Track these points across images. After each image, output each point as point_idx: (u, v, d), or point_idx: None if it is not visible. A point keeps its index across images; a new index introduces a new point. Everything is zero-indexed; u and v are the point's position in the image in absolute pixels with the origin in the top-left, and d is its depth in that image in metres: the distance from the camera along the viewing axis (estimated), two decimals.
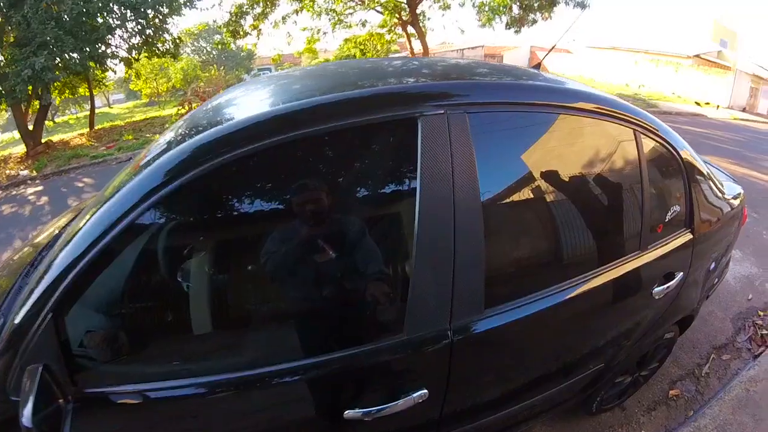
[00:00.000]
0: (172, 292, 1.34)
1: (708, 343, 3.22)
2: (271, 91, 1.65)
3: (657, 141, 1.87)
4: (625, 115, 1.73)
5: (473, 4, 15.89)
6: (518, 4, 16.11)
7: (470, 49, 30.73)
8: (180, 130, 1.53)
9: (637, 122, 1.78)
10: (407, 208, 1.32)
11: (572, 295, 1.63)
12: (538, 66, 2.24)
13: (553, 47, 2.60)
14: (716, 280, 2.64)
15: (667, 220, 1.94)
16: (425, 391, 1.42)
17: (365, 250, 1.35)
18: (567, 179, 1.62)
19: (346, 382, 1.44)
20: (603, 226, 1.79)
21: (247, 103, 1.61)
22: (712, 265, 2.38)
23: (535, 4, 16.33)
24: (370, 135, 1.35)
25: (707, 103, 18.87)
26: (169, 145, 1.36)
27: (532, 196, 1.54)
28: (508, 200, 1.53)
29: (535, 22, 16.86)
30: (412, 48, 19.75)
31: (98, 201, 1.42)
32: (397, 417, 1.40)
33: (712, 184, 2.23)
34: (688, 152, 2.03)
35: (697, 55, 23.76)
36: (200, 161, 1.23)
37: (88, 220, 1.28)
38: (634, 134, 1.77)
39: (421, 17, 18.27)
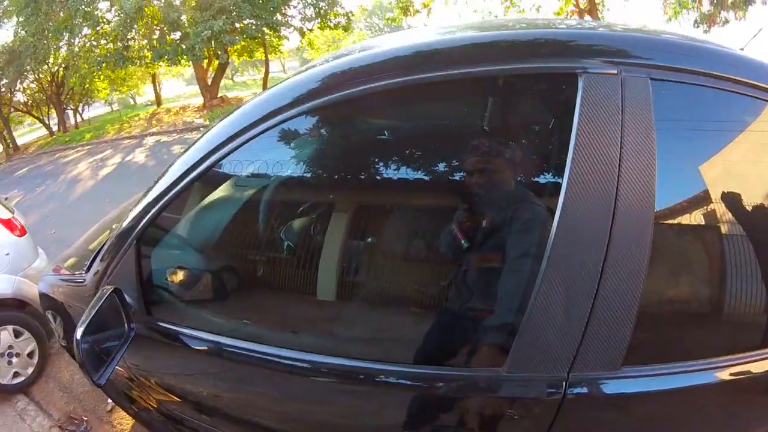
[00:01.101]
0: (269, 247, 1.33)
1: None
2: (424, 34, 1.45)
3: None
4: None
5: None
6: None
7: None
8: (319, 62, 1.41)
9: None
10: (546, 200, 1.04)
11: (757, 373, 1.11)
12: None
13: (756, 33, 1.84)
14: None
15: None
16: None
17: (513, 248, 1.10)
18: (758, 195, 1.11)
19: (422, 404, 1.20)
20: None
21: (395, 41, 1.37)
22: None
23: (729, 1, 14.13)
24: (511, 90, 1.11)
25: None
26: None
27: (731, 216, 1.09)
28: (695, 217, 1.09)
29: (727, 21, 14.70)
30: None
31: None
32: None
33: None
34: None
35: None
36: (327, 89, 1.13)
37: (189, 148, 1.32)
38: None
39: (600, 6, 16.63)
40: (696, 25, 14.72)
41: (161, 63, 14.33)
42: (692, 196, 1.09)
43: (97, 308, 1.22)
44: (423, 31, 1.51)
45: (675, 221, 1.09)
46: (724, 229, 1.10)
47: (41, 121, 20.56)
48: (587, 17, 16.67)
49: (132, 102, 31.29)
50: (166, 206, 1.29)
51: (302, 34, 17.10)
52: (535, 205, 1.09)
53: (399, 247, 1.26)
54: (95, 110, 27.03)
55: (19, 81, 17.78)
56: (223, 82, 16.74)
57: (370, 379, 1.18)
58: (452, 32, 1.39)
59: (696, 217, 1.09)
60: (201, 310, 1.45)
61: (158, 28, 13.78)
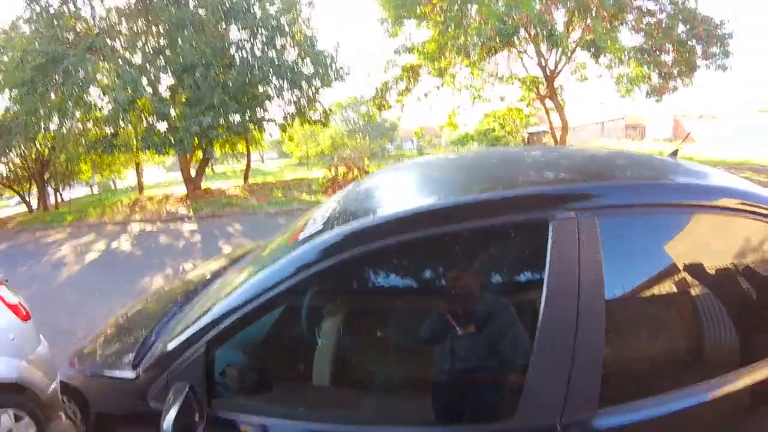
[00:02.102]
0: (301, 347, 1.62)
1: None
2: (414, 181, 1.96)
3: None
4: None
5: (611, 75, 15.51)
6: (657, 72, 15.40)
7: (611, 121, 29.12)
8: (333, 212, 1.82)
9: None
10: (533, 301, 1.37)
11: (696, 402, 1.44)
12: (675, 153, 2.04)
13: (687, 136, 2.31)
14: None
15: None
16: None
17: (504, 331, 1.44)
18: (700, 281, 1.50)
19: None
20: (740, 325, 1.53)
21: (391, 194, 1.89)
22: None
23: (675, 71, 15.50)
24: (504, 234, 1.48)
25: None
26: (325, 227, 1.66)
27: (660, 296, 1.48)
28: (634, 302, 1.49)
29: (676, 89, 15.93)
30: (551, 122, 19.39)
31: (256, 261, 1.88)
32: None
33: None
34: None
35: None
36: (348, 247, 1.47)
37: (248, 279, 1.62)
38: None
39: (558, 91, 18.03)
40: (648, 96, 15.74)
41: (146, 152, 14.70)
42: (633, 288, 1.47)
43: (179, 404, 1.38)
44: (420, 178, 1.99)
45: (621, 305, 1.43)
46: (653, 307, 1.47)
47: (21, 197, 20.40)
48: (548, 101, 17.91)
49: (112, 186, 31.27)
50: (241, 318, 1.53)
51: (283, 129, 17.97)
52: (507, 306, 1.45)
53: (407, 341, 1.57)
54: (75, 191, 26.68)
55: (3, 155, 17.78)
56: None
57: None
58: (441, 176, 1.92)
59: (635, 301, 1.48)
60: (253, 399, 1.65)
61: (147, 119, 14.39)
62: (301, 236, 1.75)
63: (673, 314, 1.53)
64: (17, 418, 2.82)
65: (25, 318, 3.21)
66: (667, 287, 1.49)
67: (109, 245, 9.86)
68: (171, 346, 1.61)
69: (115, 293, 5.48)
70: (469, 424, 1.43)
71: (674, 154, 2.02)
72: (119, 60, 13.52)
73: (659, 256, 1.49)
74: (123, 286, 6.11)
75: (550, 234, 1.36)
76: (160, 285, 3.30)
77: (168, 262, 7.66)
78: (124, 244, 9.75)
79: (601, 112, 30.03)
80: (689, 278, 1.48)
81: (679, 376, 1.47)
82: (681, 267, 1.48)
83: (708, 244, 1.53)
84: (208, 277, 2.60)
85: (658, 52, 15.16)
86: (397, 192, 1.88)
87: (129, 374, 1.74)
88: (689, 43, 14.92)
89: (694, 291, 1.50)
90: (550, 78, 17.11)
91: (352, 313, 1.63)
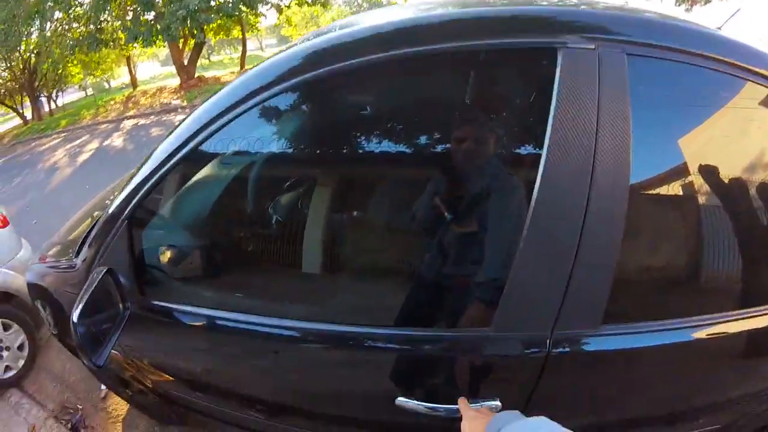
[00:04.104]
0: (256, 222, 1.38)
1: None
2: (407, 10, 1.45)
3: None
4: None
5: None
6: None
7: None
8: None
9: None
10: (526, 169, 1.06)
11: (723, 333, 1.19)
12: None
13: (734, 14, 1.82)
14: None
15: None
16: (498, 403, 1.14)
17: (493, 219, 1.15)
18: (754, 176, 1.15)
19: (411, 365, 1.25)
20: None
21: (376, 18, 1.37)
22: None
23: None
24: (492, 64, 1.13)
25: None
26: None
27: (703, 189, 1.13)
28: (667, 188, 1.13)
29: (708, 0, 14.44)
30: None
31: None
32: (454, 422, 1.10)
33: None
34: None
35: None
36: (309, 66, 1.14)
37: (177, 126, 1.34)
38: None
39: None
40: (678, 4, 14.62)
41: (136, 44, 13.98)
42: (666, 170, 1.12)
43: (92, 290, 1.24)
44: (404, 8, 1.48)
45: (649, 190, 1.13)
46: (695, 200, 1.14)
47: (14, 110, 20.00)
48: None
49: (107, 86, 30.54)
50: (154, 186, 1.30)
51: (280, 10, 16.81)
52: (511, 176, 1.13)
53: (383, 218, 1.30)
54: (69, 96, 26.29)
55: None
56: (199, 61, 16.39)
57: (359, 344, 1.22)
58: (434, 8, 1.35)
59: (669, 189, 1.13)
60: (193, 286, 1.47)
61: (132, 8, 13.37)
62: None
63: (708, 217, 1.18)
64: (6, 327, 2.81)
65: (3, 224, 3.11)
66: (712, 179, 1.14)
67: (102, 144, 9.80)
68: (97, 226, 1.44)
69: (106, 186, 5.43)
70: (438, 328, 1.22)
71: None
72: None
73: (708, 132, 1.13)
74: (114, 181, 6.04)
75: (559, 69, 1.01)
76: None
77: None
78: (116, 140, 9.65)
79: None
80: (743, 175, 1.14)
81: (695, 302, 1.20)
82: (733, 156, 1.15)
83: (758, 128, 1.17)
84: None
85: None
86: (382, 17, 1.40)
87: (70, 264, 1.61)
88: None
89: (744, 194, 1.15)
90: None
91: (313, 171, 1.32)
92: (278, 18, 18.18)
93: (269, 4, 16.38)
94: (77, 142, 10.61)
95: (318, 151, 1.34)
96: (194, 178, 1.38)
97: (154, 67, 39.63)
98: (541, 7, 1.20)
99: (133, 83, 19.10)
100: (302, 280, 1.35)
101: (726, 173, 1.13)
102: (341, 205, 1.32)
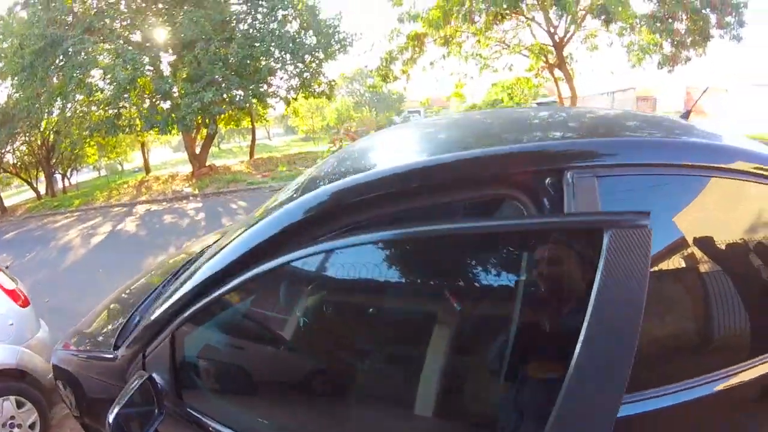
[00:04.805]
0: (274, 343, 1.45)
1: None
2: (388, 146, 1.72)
3: None
4: None
5: (622, 44, 14.98)
6: (670, 41, 14.84)
7: (621, 92, 28.60)
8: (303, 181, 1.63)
9: None
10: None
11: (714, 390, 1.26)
12: (687, 113, 1.89)
13: (701, 96, 2.11)
14: None
15: None
16: None
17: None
18: (715, 252, 1.29)
19: None
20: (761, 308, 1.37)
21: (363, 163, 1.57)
22: None
23: (688, 41, 14.90)
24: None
25: None
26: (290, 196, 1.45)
27: (667, 269, 1.26)
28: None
29: (688, 59, 15.40)
30: (560, 92, 19.00)
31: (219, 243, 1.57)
32: None
33: None
34: None
35: None
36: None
37: (207, 262, 1.43)
38: None
39: (568, 59, 17.59)
40: (660, 67, 15.29)
41: (151, 131, 14.65)
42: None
43: (131, 393, 1.31)
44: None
45: None
46: (662, 282, 1.25)
47: (29, 184, 20.54)
48: (557, 71, 17.61)
49: (120, 168, 31.25)
50: (204, 307, 1.36)
51: (287, 102, 17.73)
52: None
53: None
54: (83, 175, 27.07)
55: (9, 143, 17.94)
56: (210, 149, 17.07)
57: None
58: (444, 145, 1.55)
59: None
60: (227, 402, 1.51)
61: (149, 97, 14.21)
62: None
63: (685, 293, 1.33)
64: (19, 405, 2.80)
65: (24, 304, 3.23)
66: (675, 262, 1.28)
67: (115, 227, 9.94)
68: (141, 327, 1.52)
69: (120, 274, 5.46)
70: None
71: (686, 115, 1.86)
72: (119, 39, 13.36)
73: (669, 224, 1.27)
74: (128, 266, 6.12)
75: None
76: (156, 263, 3.27)
77: (172, 240, 7.75)
78: (129, 225, 9.83)
79: (612, 82, 29.25)
80: (703, 252, 1.28)
81: (691, 364, 1.29)
82: (696, 239, 1.28)
83: (724, 212, 1.35)
84: (196, 253, 2.44)
85: (670, 20, 14.52)
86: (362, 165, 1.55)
87: (109, 354, 1.67)
88: (703, 11, 14.27)
89: (705, 268, 1.30)
90: (559, 46, 16.65)
91: (319, 306, 1.39)
92: (286, 109, 19.11)
93: (278, 97, 17.37)
94: (90, 223, 10.84)
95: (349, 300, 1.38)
96: (244, 304, 1.44)
97: (166, 152, 40.66)
98: (521, 145, 1.35)
99: (146, 168, 19.75)
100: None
101: (689, 255, 1.27)
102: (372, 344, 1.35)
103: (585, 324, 0.93)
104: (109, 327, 2.01)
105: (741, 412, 1.40)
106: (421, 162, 1.30)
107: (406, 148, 1.61)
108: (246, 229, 1.41)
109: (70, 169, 22.25)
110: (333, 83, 18.23)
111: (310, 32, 15.95)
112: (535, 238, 1.12)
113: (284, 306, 1.44)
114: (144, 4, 13.98)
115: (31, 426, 2.85)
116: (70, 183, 22.84)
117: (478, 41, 17.49)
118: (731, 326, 1.34)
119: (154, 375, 1.41)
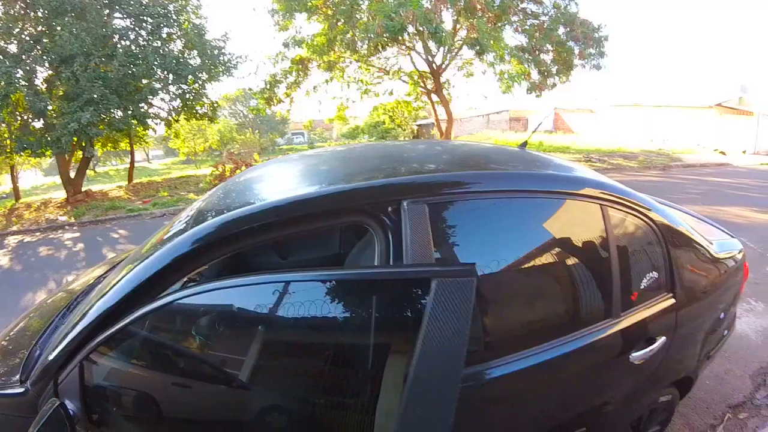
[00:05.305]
0: (182, 369, 1.51)
1: (723, 402, 3.08)
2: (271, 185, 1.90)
3: (627, 211, 1.97)
4: (583, 192, 1.87)
5: (494, 72, 16.13)
6: (537, 70, 16.46)
7: (496, 113, 31.42)
8: (193, 213, 1.82)
9: (600, 196, 1.89)
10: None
11: (540, 361, 1.70)
12: (524, 144, 2.37)
13: (536, 128, 2.77)
14: (719, 340, 2.57)
15: (642, 287, 1.99)
16: None
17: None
18: (527, 256, 1.73)
19: None
20: (568, 296, 1.86)
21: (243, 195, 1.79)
22: (708, 326, 2.36)
23: (553, 69, 16.74)
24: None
25: (723, 152, 19.46)
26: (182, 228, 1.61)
27: (498, 275, 1.64)
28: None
29: (554, 85, 17.22)
30: (437, 115, 20.41)
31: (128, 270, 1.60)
32: None
33: (698, 246, 2.27)
34: (664, 218, 2.11)
35: (719, 104, 23.98)
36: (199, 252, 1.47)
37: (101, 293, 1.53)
38: (601, 208, 1.88)
39: (445, 85, 19.09)
40: (529, 92, 16.72)
41: (21, 154, 13.30)
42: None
43: (44, 420, 1.32)
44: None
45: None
46: (491, 279, 1.61)
47: None
48: (435, 95, 18.79)
49: None
50: (108, 337, 1.41)
51: (168, 124, 17.10)
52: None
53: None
54: None
55: None
56: (85, 173, 15.85)
57: None
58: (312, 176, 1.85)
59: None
60: (136, 426, 1.56)
61: (21, 115, 12.97)
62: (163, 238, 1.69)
63: (502, 288, 1.70)
64: None
65: None
66: (499, 265, 1.64)
67: None
68: (50, 358, 1.52)
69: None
70: None
71: (523, 145, 2.37)
72: None
73: (484, 238, 1.66)
74: (7, 305, 5.74)
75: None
76: (42, 299, 3.26)
77: (50, 274, 7.18)
78: (1, 259, 8.84)
79: (488, 105, 31.87)
80: (518, 257, 1.70)
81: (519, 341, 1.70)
82: (508, 248, 1.70)
83: (530, 224, 1.78)
84: (90, 283, 2.55)
85: (538, 52, 16.03)
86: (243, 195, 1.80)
87: (18, 389, 1.62)
88: (568, 43, 15.88)
89: (520, 269, 1.71)
90: (436, 73, 17.93)
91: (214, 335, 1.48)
92: (167, 131, 18.35)
93: (159, 119, 16.67)
94: None
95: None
96: (145, 333, 1.46)
97: (36, 176, 36.72)
98: (391, 180, 1.63)
99: (16, 194, 17.65)
100: None
101: (505, 261, 1.65)
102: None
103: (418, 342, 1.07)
104: (7, 364, 1.92)
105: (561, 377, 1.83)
106: (292, 197, 1.55)
107: (282, 183, 1.86)
108: (140, 262, 1.53)
109: None
110: (216, 105, 17.84)
111: (195, 52, 15.59)
112: (379, 284, 1.27)
113: (180, 336, 1.51)
114: (23, 12, 12.67)
115: None
116: None
117: (360, 67, 18.37)
118: (536, 313, 1.79)
119: (66, 402, 1.44)
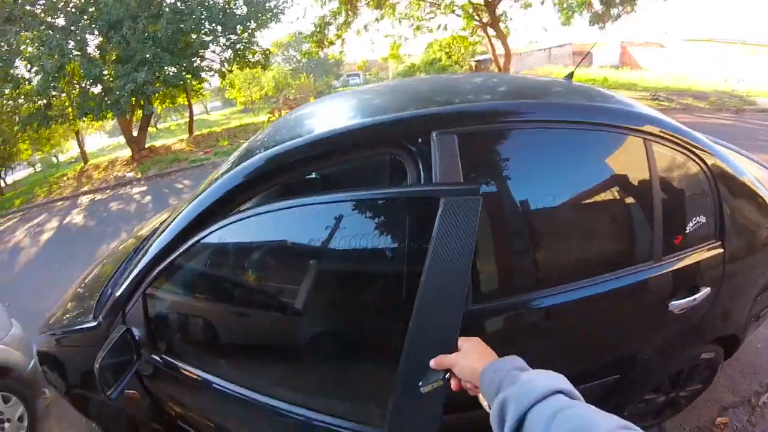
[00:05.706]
0: (236, 298, 1.72)
1: None
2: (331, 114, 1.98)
3: (675, 149, 1.79)
4: (627, 126, 1.71)
5: (554, 2, 15.07)
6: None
7: (558, 47, 29.29)
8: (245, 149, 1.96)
9: (646, 131, 1.73)
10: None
11: (574, 298, 1.63)
12: (570, 75, 2.17)
13: (581, 60, 2.52)
14: None
15: (688, 231, 1.82)
16: None
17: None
18: (563, 191, 1.62)
19: None
20: (606, 235, 1.77)
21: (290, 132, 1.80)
22: (762, 283, 2.14)
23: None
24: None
25: None
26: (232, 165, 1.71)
27: (528, 207, 1.59)
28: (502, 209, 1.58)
29: (618, 17, 15.88)
30: (494, 50, 19.32)
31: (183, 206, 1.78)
32: None
33: (758, 196, 2.02)
34: (719, 159, 1.86)
35: None
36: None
37: (167, 223, 1.70)
38: (644, 143, 1.72)
39: (501, 18, 17.86)
40: (591, 24, 15.67)
41: (84, 119, 14.05)
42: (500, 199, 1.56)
43: (112, 343, 1.58)
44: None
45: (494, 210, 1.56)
46: (526, 214, 1.59)
47: None
48: (491, 29, 17.83)
49: (55, 161, 29.72)
50: (166, 268, 1.65)
51: (222, 75, 17.35)
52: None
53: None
54: (18, 173, 25.57)
55: None
56: (147, 131, 16.52)
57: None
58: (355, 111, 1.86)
59: (503, 208, 1.58)
60: (195, 349, 1.81)
61: (79, 84, 13.54)
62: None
63: (538, 222, 1.65)
64: (5, 400, 2.96)
65: None
66: (533, 200, 1.59)
67: (62, 221, 9.60)
68: (117, 294, 1.77)
69: (76, 266, 5.50)
70: None
71: (569, 76, 2.17)
72: (41, 26, 12.45)
73: (521, 170, 1.59)
74: (83, 257, 6.18)
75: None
76: (113, 246, 3.45)
77: (122, 226, 7.71)
78: (76, 218, 9.54)
79: (549, 39, 29.77)
80: (553, 192, 1.60)
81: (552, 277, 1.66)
82: (542, 181, 1.61)
83: (567, 158, 1.66)
84: (155, 228, 2.67)
85: None
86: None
87: (92, 323, 1.89)
88: None
89: (558, 204, 1.61)
90: (491, 5, 16.81)
91: (266, 262, 1.67)
92: (221, 82, 18.70)
93: (212, 71, 16.92)
94: (36, 221, 10.38)
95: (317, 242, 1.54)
96: (201, 259, 1.69)
97: (101, 138, 38.87)
98: (418, 112, 1.60)
99: (83, 157, 18.81)
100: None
101: (541, 195, 1.58)
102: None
103: (426, 265, 1.15)
104: (84, 305, 2.20)
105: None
106: (319, 134, 1.60)
107: (324, 118, 1.92)
108: (194, 199, 1.66)
109: (4, 169, 20.94)
110: (268, 52, 17.82)
111: (240, 1, 15.51)
112: (394, 204, 1.46)
113: (234, 262, 1.70)
114: None
115: (20, 419, 3.00)
116: (5, 183, 21.50)
117: (411, 3, 17.49)
118: (572, 250, 1.70)
119: (132, 328, 1.69)
